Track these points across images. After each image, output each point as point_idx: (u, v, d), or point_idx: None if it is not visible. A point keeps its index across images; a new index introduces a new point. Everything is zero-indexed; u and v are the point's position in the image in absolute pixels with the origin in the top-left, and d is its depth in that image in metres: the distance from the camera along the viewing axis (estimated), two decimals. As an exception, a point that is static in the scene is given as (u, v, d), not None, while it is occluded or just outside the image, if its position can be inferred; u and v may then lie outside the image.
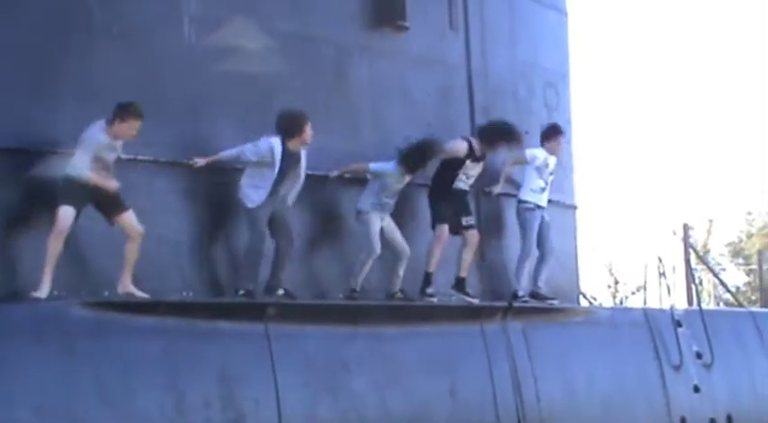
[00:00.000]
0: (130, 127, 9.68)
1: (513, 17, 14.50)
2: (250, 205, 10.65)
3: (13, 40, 9.66)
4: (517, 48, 14.44)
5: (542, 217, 13.55)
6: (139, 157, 10.21)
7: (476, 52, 13.76)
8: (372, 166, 11.83)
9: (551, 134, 13.95)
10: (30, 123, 9.60)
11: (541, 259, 13.75)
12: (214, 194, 11.12)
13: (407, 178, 11.95)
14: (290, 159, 10.80)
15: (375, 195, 11.71)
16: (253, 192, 10.67)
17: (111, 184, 9.55)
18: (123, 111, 9.64)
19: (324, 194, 12.00)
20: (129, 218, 9.72)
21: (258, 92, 11.28)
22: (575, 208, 16.04)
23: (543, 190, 13.64)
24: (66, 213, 9.40)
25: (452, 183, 12.41)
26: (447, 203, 12.46)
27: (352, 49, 12.37)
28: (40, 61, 9.83)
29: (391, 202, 11.84)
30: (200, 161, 10.48)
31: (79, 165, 9.51)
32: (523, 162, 13.58)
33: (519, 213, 13.59)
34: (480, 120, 13.50)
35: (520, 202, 13.55)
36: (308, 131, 10.87)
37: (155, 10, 10.55)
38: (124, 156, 10.00)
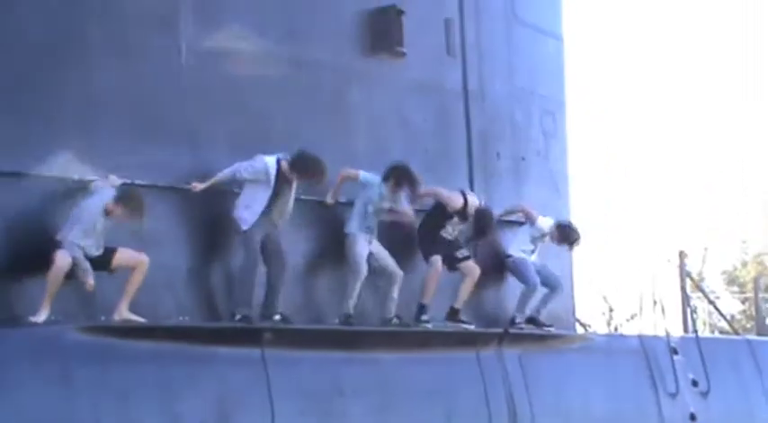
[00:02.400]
0: (130, 216, 9.82)
1: (510, 44, 14.60)
2: (244, 227, 10.76)
3: (10, 58, 9.75)
4: (515, 74, 14.54)
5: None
6: (137, 182, 10.27)
7: (473, 78, 13.86)
8: (362, 173, 12.00)
9: (570, 238, 14.16)
10: (26, 146, 9.64)
11: (551, 292, 13.99)
12: (209, 219, 11.20)
13: (392, 198, 12.08)
14: (283, 180, 10.90)
15: (361, 217, 11.91)
16: (246, 212, 10.79)
17: (89, 282, 9.69)
18: (128, 199, 9.74)
19: (319, 219, 12.14)
20: (125, 256, 9.82)
21: (254, 117, 11.37)
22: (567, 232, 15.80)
23: (532, 252, 13.84)
24: (63, 257, 9.49)
25: (439, 231, 12.61)
26: (437, 245, 12.66)
27: (349, 75, 12.43)
28: (35, 82, 9.90)
29: (375, 223, 12.09)
30: (199, 186, 10.56)
31: (70, 239, 9.65)
32: (530, 220, 13.83)
33: (508, 265, 13.79)
34: (477, 146, 13.60)
35: (507, 256, 13.72)
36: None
37: (152, 35, 10.67)
38: (121, 180, 10.07)
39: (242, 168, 10.77)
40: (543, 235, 13.84)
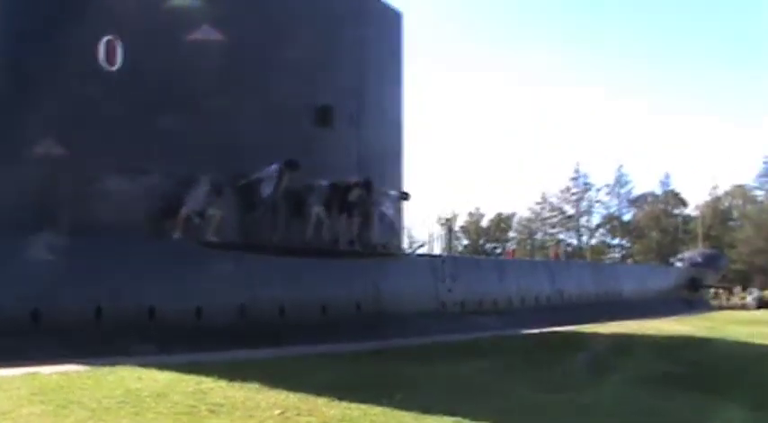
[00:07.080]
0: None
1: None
2: (264, 196, 19.96)
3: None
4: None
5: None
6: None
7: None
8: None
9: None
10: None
11: (392, 232, 23.46)
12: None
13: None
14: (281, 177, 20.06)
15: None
16: (267, 189, 20.01)
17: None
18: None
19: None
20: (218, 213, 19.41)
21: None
22: (404, 195, 25.50)
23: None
24: (185, 212, 18.63)
25: None
26: None
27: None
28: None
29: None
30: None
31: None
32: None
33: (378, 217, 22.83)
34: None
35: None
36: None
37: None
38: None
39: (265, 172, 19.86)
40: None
